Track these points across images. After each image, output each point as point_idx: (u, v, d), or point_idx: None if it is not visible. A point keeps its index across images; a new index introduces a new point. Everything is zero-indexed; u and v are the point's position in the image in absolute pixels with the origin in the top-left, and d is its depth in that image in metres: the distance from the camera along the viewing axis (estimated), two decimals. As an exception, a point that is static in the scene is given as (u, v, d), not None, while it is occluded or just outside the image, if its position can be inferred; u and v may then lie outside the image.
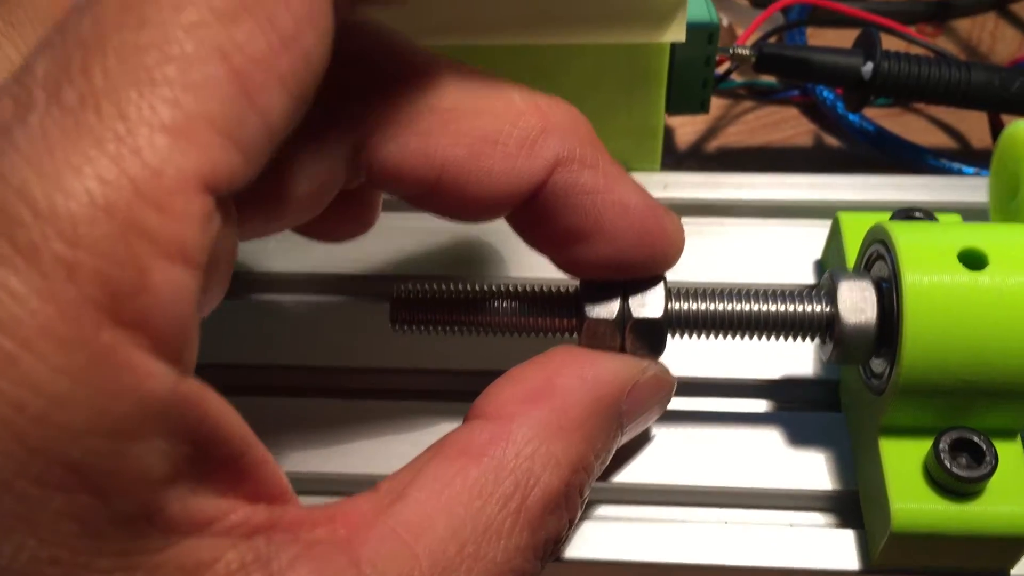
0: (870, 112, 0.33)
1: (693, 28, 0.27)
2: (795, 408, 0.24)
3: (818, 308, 0.20)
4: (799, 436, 0.23)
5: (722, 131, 0.33)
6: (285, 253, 0.26)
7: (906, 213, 0.23)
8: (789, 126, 0.33)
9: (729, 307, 0.20)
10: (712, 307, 0.20)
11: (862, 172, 0.32)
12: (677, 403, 0.23)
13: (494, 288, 0.21)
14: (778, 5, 0.32)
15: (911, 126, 0.33)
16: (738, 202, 0.27)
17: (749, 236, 0.27)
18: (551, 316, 0.20)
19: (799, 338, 0.21)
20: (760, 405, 0.24)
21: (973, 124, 0.33)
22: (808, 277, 0.26)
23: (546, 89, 0.26)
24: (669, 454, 0.22)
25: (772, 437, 0.23)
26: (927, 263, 0.19)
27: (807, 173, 0.27)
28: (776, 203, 0.27)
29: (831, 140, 0.33)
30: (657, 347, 0.20)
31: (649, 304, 0.20)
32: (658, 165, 0.28)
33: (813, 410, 0.23)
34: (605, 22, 0.24)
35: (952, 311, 0.19)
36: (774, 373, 0.24)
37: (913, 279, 0.19)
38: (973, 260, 0.20)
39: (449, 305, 0.21)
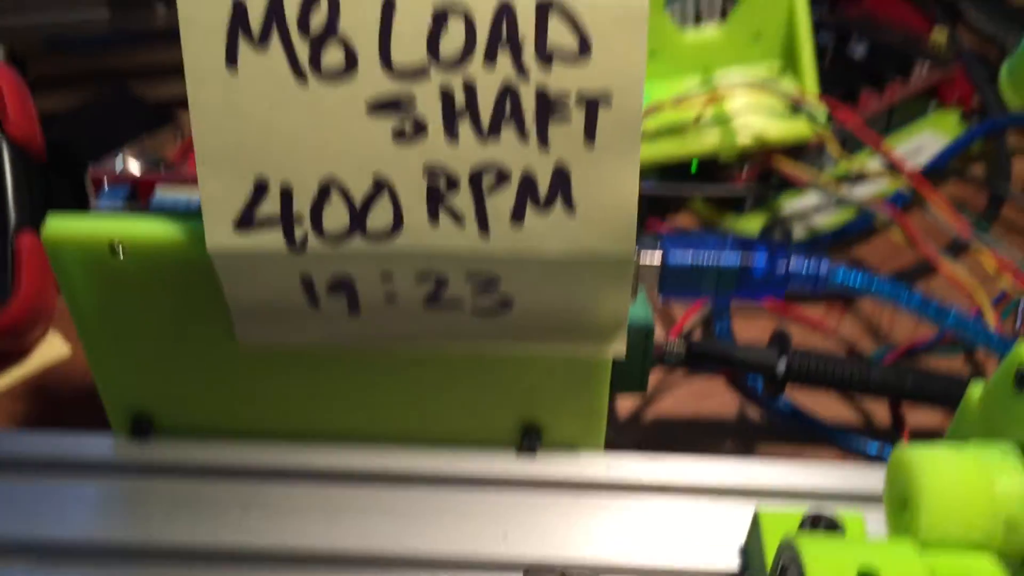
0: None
1: (633, 328, 0.32)
2: None
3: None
4: None
5: (658, 400, 0.37)
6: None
7: (813, 520, 0.27)
8: (716, 397, 0.37)
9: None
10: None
11: (779, 442, 0.36)
12: None
13: None
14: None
15: (823, 401, 0.37)
16: (673, 483, 0.30)
17: (683, 514, 0.30)
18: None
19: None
20: None
21: (879, 403, 0.37)
22: (732, 562, 0.29)
23: (499, 381, 0.30)
24: None
25: None
26: (830, 579, 0.23)
27: (734, 456, 0.31)
28: (705, 486, 0.30)
29: (753, 412, 0.37)
30: None
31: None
32: (602, 445, 0.31)
33: None
34: (557, 340, 0.28)
35: (851, 624, 0.22)
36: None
37: (818, 595, 0.23)
38: (869, 578, 0.23)
39: None
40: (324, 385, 0.30)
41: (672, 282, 0.28)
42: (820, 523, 0.26)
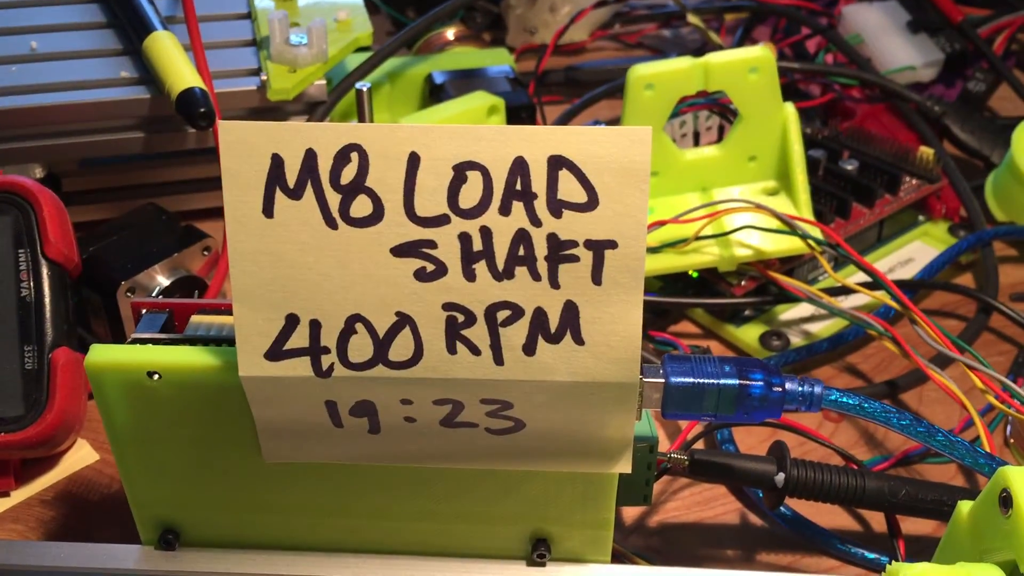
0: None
1: (640, 442, 0.33)
2: None
3: None
4: None
5: (662, 507, 0.39)
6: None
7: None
8: (719, 503, 0.39)
9: None
10: None
11: (781, 550, 0.37)
12: None
13: None
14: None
15: (823, 507, 0.38)
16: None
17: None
18: None
19: None
20: None
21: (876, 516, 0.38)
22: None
23: (510, 494, 0.31)
24: None
25: None
26: None
27: (735, 568, 0.32)
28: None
29: (754, 518, 0.38)
30: None
31: None
32: (608, 556, 0.33)
33: None
34: (566, 458, 0.29)
35: None
36: None
37: None
38: None
39: None
40: (342, 498, 0.31)
41: (674, 401, 0.30)
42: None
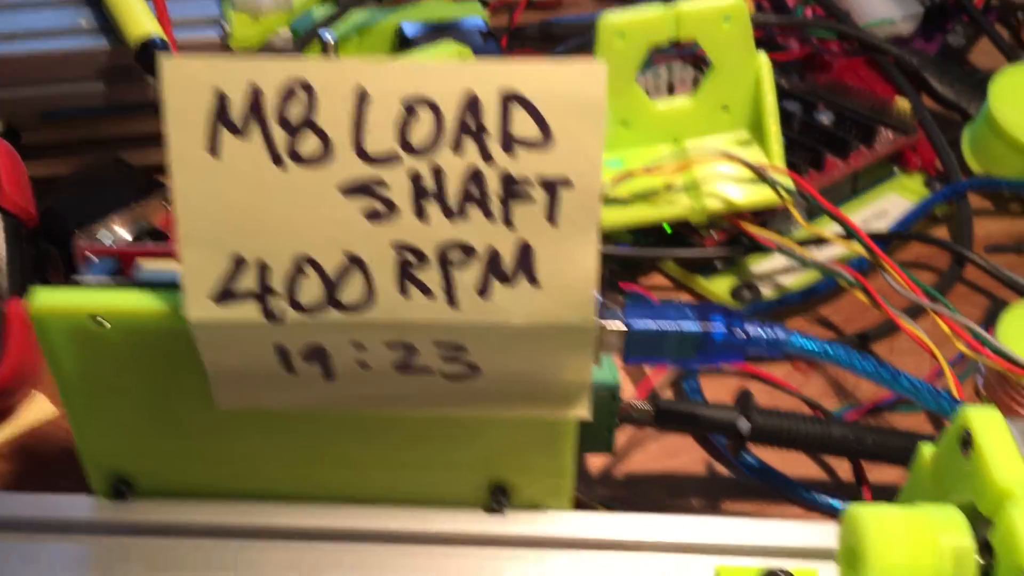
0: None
1: (599, 389, 0.33)
2: None
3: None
4: None
5: (628, 457, 0.38)
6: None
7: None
8: (686, 454, 0.38)
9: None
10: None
11: (746, 499, 0.37)
12: None
13: None
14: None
15: (790, 457, 0.38)
16: (638, 541, 0.31)
17: (647, 571, 0.31)
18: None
19: None
20: None
21: (843, 463, 0.38)
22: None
23: (468, 441, 0.31)
24: None
25: None
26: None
27: (697, 514, 0.32)
28: (669, 543, 0.31)
29: (721, 468, 0.38)
30: None
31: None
32: (569, 504, 0.32)
33: None
34: (524, 403, 0.29)
35: None
36: None
37: (768, 652, 0.24)
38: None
39: None
40: (298, 446, 0.31)
41: (635, 347, 0.30)
42: (777, 579, 0.28)
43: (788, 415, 0.34)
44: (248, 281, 0.26)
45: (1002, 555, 0.24)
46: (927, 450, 0.29)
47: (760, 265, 0.46)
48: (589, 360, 0.28)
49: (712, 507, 0.37)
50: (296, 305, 0.27)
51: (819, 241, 0.45)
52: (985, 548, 0.25)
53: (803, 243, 0.44)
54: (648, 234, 0.47)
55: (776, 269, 0.46)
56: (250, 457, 0.31)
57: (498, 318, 0.27)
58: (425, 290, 0.26)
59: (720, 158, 0.43)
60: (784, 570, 0.28)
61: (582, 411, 0.29)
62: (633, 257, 0.46)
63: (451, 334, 0.27)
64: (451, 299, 0.27)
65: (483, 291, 0.27)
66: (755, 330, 0.30)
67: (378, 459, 0.31)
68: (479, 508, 0.32)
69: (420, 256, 0.26)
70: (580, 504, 0.33)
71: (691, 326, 0.30)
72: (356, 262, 0.26)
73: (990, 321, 0.44)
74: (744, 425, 0.34)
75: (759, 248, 0.45)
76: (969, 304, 0.46)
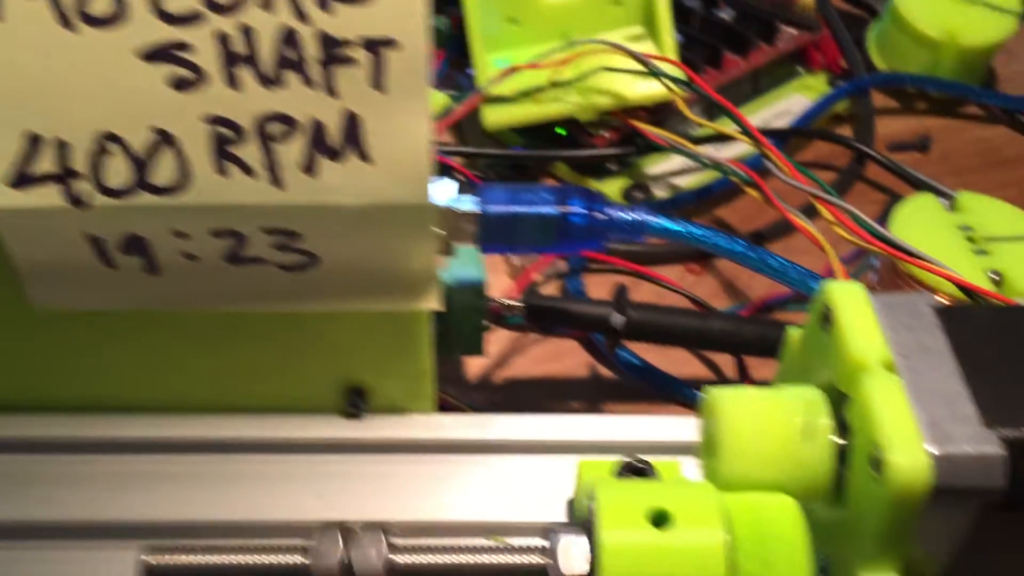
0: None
1: (464, 285, 0.31)
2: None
3: (535, 559, 0.23)
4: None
5: (508, 362, 0.37)
6: None
7: (626, 467, 0.26)
8: (568, 358, 0.37)
9: (450, 560, 0.23)
10: (433, 560, 0.23)
11: (629, 400, 0.36)
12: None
13: None
14: (552, 255, 0.36)
15: (676, 358, 0.37)
16: (502, 442, 0.30)
17: (514, 472, 0.29)
18: None
19: (522, 587, 0.23)
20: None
21: (727, 359, 0.37)
22: (560, 515, 0.28)
23: (317, 341, 0.29)
24: None
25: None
26: (621, 522, 0.22)
27: (563, 413, 0.31)
28: (535, 443, 0.30)
29: (604, 371, 0.37)
30: None
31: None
32: (431, 406, 0.31)
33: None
34: (369, 295, 0.27)
35: (641, 568, 0.22)
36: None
37: (607, 537, 0.22)
38: (660, 519, 0.23)
39: None
40: (135, 353, 0.29)
41: (491, 233, 0.28)
42: (633, 470, 0.26)
43: (664, 309, 0.33)
44: (47, 162, 0.24)
45: (857, 430, 0.23)
46: (794, 333, 0.28)
47: (656, 167, 0.45)
48: (432, 245, 0.26)
49: (594, 409, 0.36)
50: (104, 188, 0.24)
51: (721, 140, 0.43)
52: (844, 428, 0.24)
53: (698, 141, 0.42)
54: (540, 137, 0.45)
55: (672, 170, 0.45)
56: (84, 366, 0.29)
57: (328, 199, 0.25)
58: (246, 169, 0.24)
59: (607, 51, 0.41)
60: (641, 459, 0.26)
61: (432, 303, 0.27)
62: (522, 160, 0.44)
63: (279, 218, 0.25)
64: (275, 178, 0.24)
65: (309, 168, 0.24)
66: (616, 212, 0.28)
67: (224, 366, 0.29)
68: (336, 413, 0.30)
69: (236, 130, 0.24)
70: (446, 406, 0.32)
71: (548, 209, 0.28)
72: (165, 138, 0.24)
73: (885, 216, 0.43)
74: (617, 320, 0.32)
75: (654, 148, 0.43)
76: (869, 202, 0.45)
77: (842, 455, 0.24)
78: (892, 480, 0.21)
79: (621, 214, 0.28)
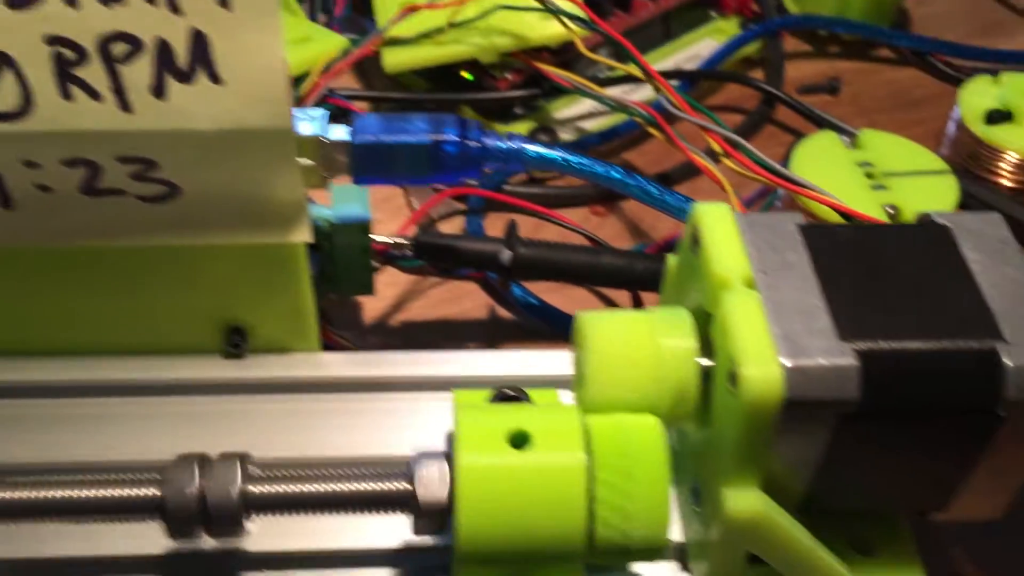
0: (541, 285, 0.37)
1: (347, 222, 0.31)
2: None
3: (396, 485, 0.23)
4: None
5: (406, 305, 0.36)
6: None
7: (502, 394, 0.26)
8: (468, 300, 0.37)
9: (311, 488, 0.22)
10: (293, 489, 0.22)
11: (526, 340, 0.36)
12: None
13: None
14: (446, 193, 0.36)
15: (574, 296, 0.37)
16: (386, 378, 0.29)
17: (396, 410, 0.29)
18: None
19: (382, 512, 0.23)
20: (381, 575, 0.26)
21: (624, 296, 0.37)
22: (440, 446, 0.28)
23: (191, 279, 0.28)
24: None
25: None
26: (480, 445, 0.22)
27: (447, 350, 0.30)
28: (417, 379, 0.29)
29: (504, 312, 0.36)
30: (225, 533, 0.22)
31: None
32: (315, 345, 0.30)
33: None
34: (237, 227, 0.26)
35: (499, 488, 0.22)
36: (395, 543, 0.26)
37: (465, 460, 0.22)
38: (519, 440, 0.22)
39: None
40: (1, 293, 0.28)
41: (364, 163, 0.27)
42: (506, 398, 0.26)
43: (554, 245, 0.32)
44: None
45: (718, 348, 0.23)
46: (672, 259, 0.28)
47: (564, 111, 0.44)
48: (298, 173, 0.25)
49: (490, 349, 0.35)
50: (-59, 115, 0.23)
51: (628, 83, 0.43)
52: (712, 349, 0.24)
53: (612, 87, 0.42)
54: (446, 82, 0.44)
55: (580, 114, 0.44)
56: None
57: (181, 123, 0.24)
58: (91, 92, 0.23)
59: (507, -10, 0.40)
60: (515, 387, 0.26)
61: (303, 235, 0.27)
62: (426, 104, 0.43)
63: (132, 146, 0.24)
64: (123, 102, 0.24)
65: (158, 91, 0.24)
66: (490, 140, 0.28)
67: (99, 306, 0.29)
68: (217, 354, 0.30)
69: (78, 51, 0.23)
70: (332, 346, 0.31)
71: (421, 137, 0.27)
72: (3, 59, 0.23)
73: (788, 157, 0.43)
74: (506, 256, 0.32)
75: (561, 91, 0.42)
76: (778, 143, 0.45)
77: (709, 376, 0.24)
78: (745, 393, 0.21)
79: (496, 142, 0.28)
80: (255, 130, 0.24)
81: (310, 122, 0.26)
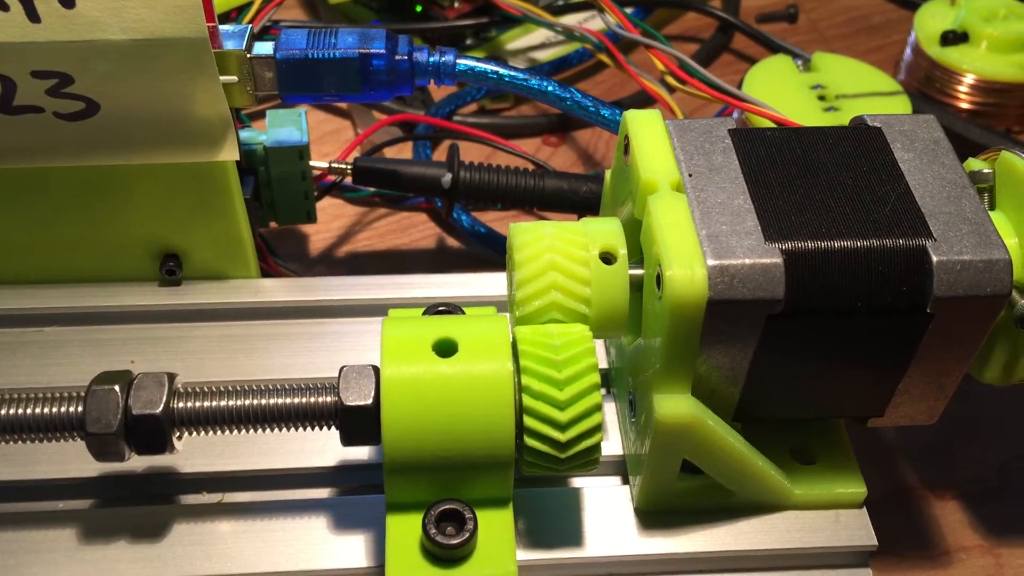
0: (491, 215, 0.36)
1: (285, 147, 0.30)
2: (348, 493, 0.25)
3: (323, 399, 0.22)
4: (346, 519, 0.24)
5: (354, 237, 0.36)
6: None
7: (435, 308, 0.26)
8: (417, 230, 0.36)
9: (237, 403, 0.22)
10: (219, 404, 0.22)
11: (476, 269, 0.35)
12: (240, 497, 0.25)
13: None
14: (389, 120, 0.35)
15: (525, 226, 0.36)
16: (324, 301, 0.29)
17: (333, 334, 0.29)
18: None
19: (313, 427, 0.23)
20: (317, 493, 0.25)
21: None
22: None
23: (121, 204, 0.28)
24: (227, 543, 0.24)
25: (320, 522, 0.24)
26: (405, 355, 0.22)
27: (375, 275, 0.30)
28: (355, 302, 0.29)
29: (452, 241, 0.36)
30: (152, 449, 0.22)
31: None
32: (254, 272, 0.30)
33: (366, 493, 0.25)
34: (161, 146, 0.26)
35: (425, 396, 0.21)
36: (329, 461, 0.26)
37: (389, 371, 0.22)
38: (445, 349, 0.22)
39: None
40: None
41: (290, 79, 0.26)
42: (440, 312, 0.26)
43: (496, 169, 0.32)
44: None
45: (646, 253, 0.23)
46: (609, 172, 0.27)
47: (516, 41, 0.44)
48: (217, 87, 0.25)
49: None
50: None
51: (580, 11, 0.42)
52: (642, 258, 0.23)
53: (564, 15, 0.41)
54: (398, 14, 0.43)
55: (532, 45, 0.44)
56: None
57: (92, 34, 0.23)
58: (-2, 4, 0.23)
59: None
60: (451, 304, 0.26)
61: (228, 153, 0.26)
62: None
63: (44, 59, 0.24)
64: (31, 12, 0.23)
65: (67, 1, 0.23)
66: (422, 56, 0.27)
67: (32, 234, 0.28)
68: (154, 281, 0.29)
69: (-19, -41, 0.22)
70: (271, 273, 0.31)
71: (348, 52, 0.26)
72: (-98, -31, 0.22)
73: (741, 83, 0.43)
74: (447, 179, 0.31)
75: (512, 20, 0.42)
76: (734, 72, 0.44)
77: (641, 287, 0.24)
78: (669, 294, 0.21)
79: (426, 57, 0.27)
80: (169, 39, 0.23)
81: (232, 37, 0.26)
